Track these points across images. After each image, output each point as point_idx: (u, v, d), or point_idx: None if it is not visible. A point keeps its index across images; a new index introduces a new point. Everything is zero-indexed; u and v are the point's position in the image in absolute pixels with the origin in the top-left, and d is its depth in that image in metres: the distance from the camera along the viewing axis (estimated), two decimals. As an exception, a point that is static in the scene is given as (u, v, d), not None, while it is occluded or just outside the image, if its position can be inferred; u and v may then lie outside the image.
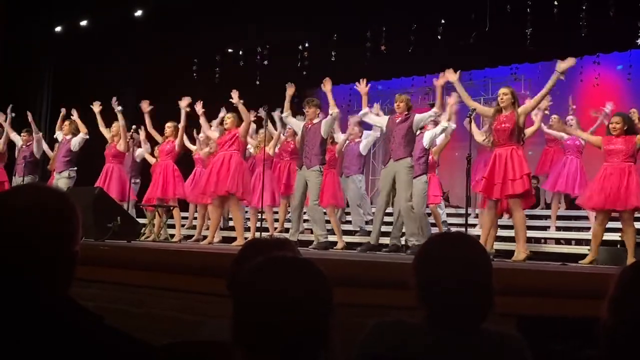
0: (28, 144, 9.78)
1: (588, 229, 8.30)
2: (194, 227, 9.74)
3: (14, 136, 9.87)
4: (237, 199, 7.68)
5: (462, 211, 7.55)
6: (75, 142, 8.86)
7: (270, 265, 1.39)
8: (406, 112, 7.23)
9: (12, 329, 1.31)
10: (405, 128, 7.10)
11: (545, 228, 9.22)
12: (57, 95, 12.58)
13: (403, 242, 7.34)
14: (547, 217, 9.61)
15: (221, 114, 8.61)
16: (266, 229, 8.62)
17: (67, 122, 9.12)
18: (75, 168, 8.92)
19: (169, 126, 8.73)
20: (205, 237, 8.11)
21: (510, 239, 7.29)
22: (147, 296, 4.43)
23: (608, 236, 7.68)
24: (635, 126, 6.81)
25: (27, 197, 1.43)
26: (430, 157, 7.97)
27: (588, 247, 7.42)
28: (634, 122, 7.00)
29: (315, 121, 7.65)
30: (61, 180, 8.79)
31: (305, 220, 8.56)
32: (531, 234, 8.10)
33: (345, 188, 9.01)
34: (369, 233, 7.90)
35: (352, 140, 9.10)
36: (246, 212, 9.02)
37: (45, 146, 9.87)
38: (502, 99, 6.44)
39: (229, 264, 2.14)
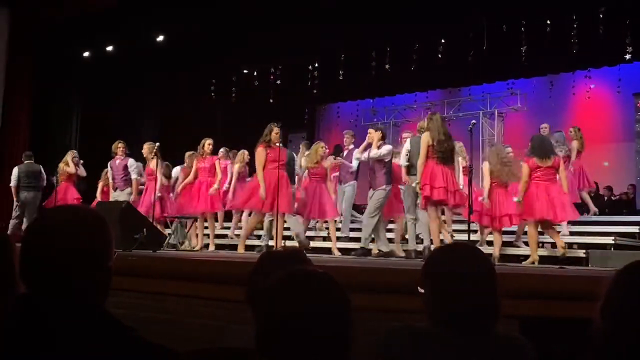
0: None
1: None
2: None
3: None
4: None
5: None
6: (133, 165, 9.09)
7: (293, 279, 1.40)
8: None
9: (50, 342, 1.32)
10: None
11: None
12: (85, 120, 12.67)
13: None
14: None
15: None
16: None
17: (120, 145, 9.21)
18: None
19: (209, 143, 8.74)
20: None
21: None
22: (171, 303, 4.42)
23: (599, 239, 7.66)
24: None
25: (67, 218, 1.45)
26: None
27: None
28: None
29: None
30: (122, 196, 8.92)
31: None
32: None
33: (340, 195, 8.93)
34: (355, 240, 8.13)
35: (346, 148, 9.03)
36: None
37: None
38: None
39: (248, 275, 2.14)
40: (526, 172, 6.80)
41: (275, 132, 7.47)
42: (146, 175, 9.04)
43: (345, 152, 9.01)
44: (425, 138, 6.67)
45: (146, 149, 9.00)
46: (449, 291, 1.83)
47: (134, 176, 8.97)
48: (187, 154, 9.24)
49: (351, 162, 8.72)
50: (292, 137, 13.02)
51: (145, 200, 8.85)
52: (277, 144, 7.49)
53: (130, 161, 9.09)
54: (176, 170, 9.48)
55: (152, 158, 8.89)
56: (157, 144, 9.14)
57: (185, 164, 9.27)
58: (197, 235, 8.83)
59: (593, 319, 1.71)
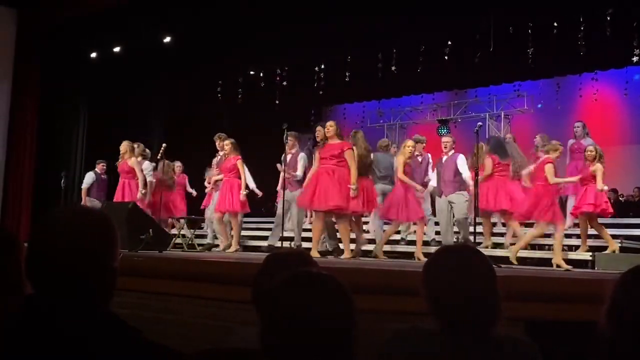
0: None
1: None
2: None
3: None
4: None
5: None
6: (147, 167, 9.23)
7: (296, 281, 1.40)
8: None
9: (54, 342, 1.33)
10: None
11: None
12: (92, 120, 12.67)
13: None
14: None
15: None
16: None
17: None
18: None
19: (227, 144, 8.65)
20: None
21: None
22: (175, 304, 4.43)
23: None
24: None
25: (72, 219, 1.46)
26: None
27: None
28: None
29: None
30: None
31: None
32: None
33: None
34: None
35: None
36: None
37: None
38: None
39: (254, 277, 2.14)
40: (489, 166, 7.58)
41: (318, 129, 7.44)
42: (124, 173, 8.99)
43: (289, 156, 8.43)
44: (354, 153, 7.15)
45: (124, 146, 9.01)
46: (449, 292, 1.83)
47: (148, 178, 9.04)
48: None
49: (296, 169, 8.38)
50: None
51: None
52: (324, 140, 7.27)
53: (145, 164, 9.12)
54: (146, 166, 9.23)
55: (130, 157, 8.88)
56: (164, 145, 9.16)
57: (158, 169, 9.28)
58: (230, 235, 8.58)
59: (598, 321, 1.71)
